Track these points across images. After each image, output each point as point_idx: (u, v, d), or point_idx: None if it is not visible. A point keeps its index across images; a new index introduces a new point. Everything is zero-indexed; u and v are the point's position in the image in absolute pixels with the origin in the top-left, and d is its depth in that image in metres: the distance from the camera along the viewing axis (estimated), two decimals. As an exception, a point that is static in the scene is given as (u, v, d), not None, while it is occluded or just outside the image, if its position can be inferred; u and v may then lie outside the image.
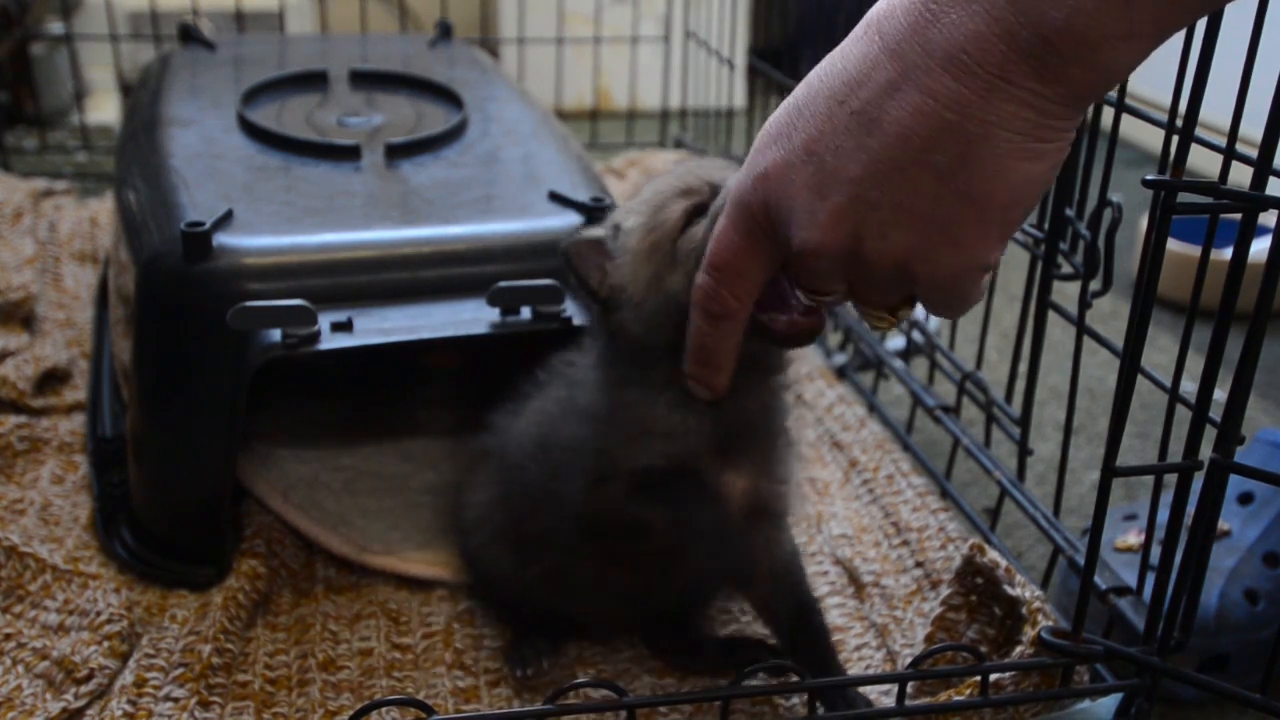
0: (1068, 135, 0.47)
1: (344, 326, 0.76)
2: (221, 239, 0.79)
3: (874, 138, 0.47)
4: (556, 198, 0.89)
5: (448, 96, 1.09)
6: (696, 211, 0.63)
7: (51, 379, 1.06)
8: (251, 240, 0.81)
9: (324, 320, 0.76)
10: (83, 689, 0.72)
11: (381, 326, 0.77)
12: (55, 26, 1.81)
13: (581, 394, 0.70)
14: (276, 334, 0.75)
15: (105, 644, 0.75)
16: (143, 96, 1.12)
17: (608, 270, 0.65)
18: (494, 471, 0.75)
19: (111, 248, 1.07)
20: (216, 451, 0.80)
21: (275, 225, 0.83)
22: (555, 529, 0.70)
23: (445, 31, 1.31)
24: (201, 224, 0.78)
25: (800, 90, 0.52)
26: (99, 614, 0.77)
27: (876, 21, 0.48)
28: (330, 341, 0.75)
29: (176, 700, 0.71)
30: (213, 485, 0.82)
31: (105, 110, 1.90)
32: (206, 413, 0.80)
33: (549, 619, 0.77)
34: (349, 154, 0.94)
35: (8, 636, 0.77)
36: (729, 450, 0.67)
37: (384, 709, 0.70)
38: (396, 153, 0.95)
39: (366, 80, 1.13)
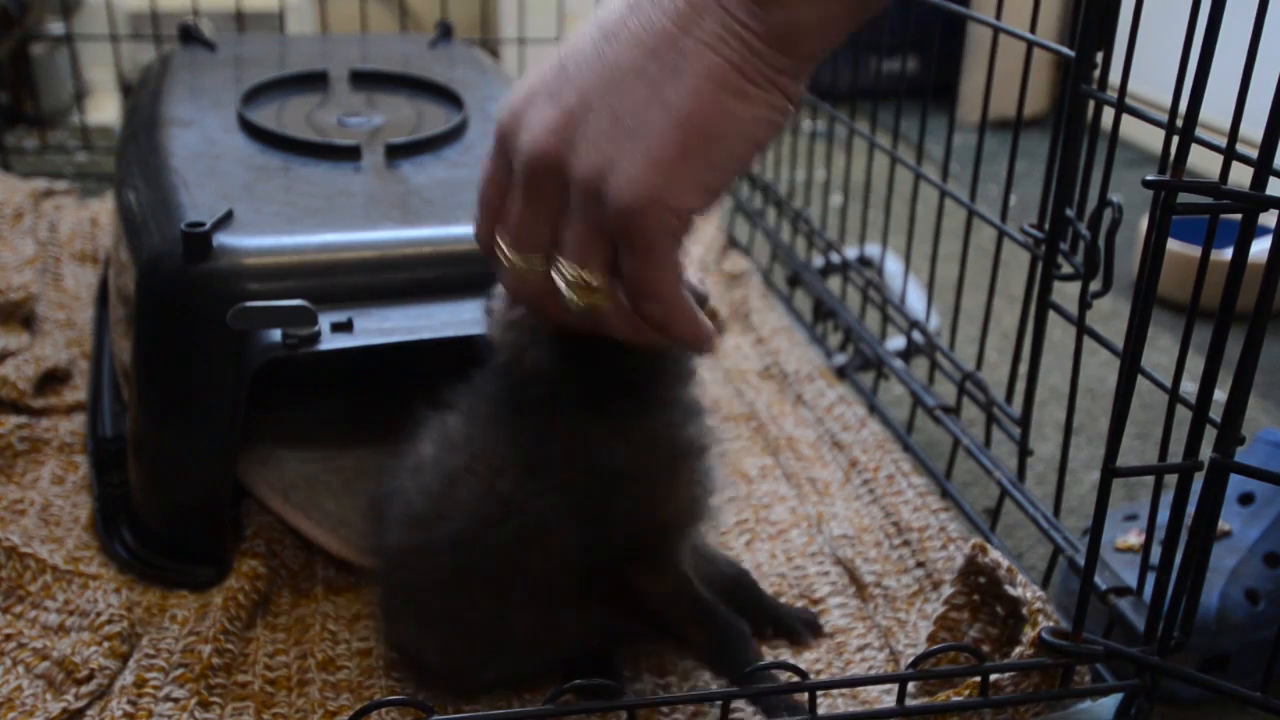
0: (779, 89, 0.49)
1: (344, 327, 0.76)
2: (221, 239, 0.79)
3: (610, 46, 0.49)
4: None
5: (448, 96, 1.09)
6: None
7: (52, 379, 1.06)
8: (252, 240, 0.80)
9: (324, 321, 0.76)
10: (83, 689, 0.72)
11: (382, 327, 0.77)
12: (55, 26, 1.81)
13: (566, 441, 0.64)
14: (277, 334, 0.75)
15: (105, 644, 0.75)
16: (143, 96, 1.12)
17: None
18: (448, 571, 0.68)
19: (112, 248, 1.07)
20: (217, 452, 0.80)
21: (275, 225, 0.83)
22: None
23: (445, 31, 1.31)
24: (202, 224, 0.78)
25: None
26: (99, 614, 0.77)
27: None
28: (330, 342, 0.75)
29: (177, 700, 0.71)
30: (213, 485, 0.82)
31: (105, 110, 1.90)
32: (206, 413, 0.80)
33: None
34: (349, 154, 0.94)
35: (8, 637, 0.77)
36: None
37: (384, 709, 0.69)
38: (397, 153, 0.95)
39: (367, 80, 1.13)
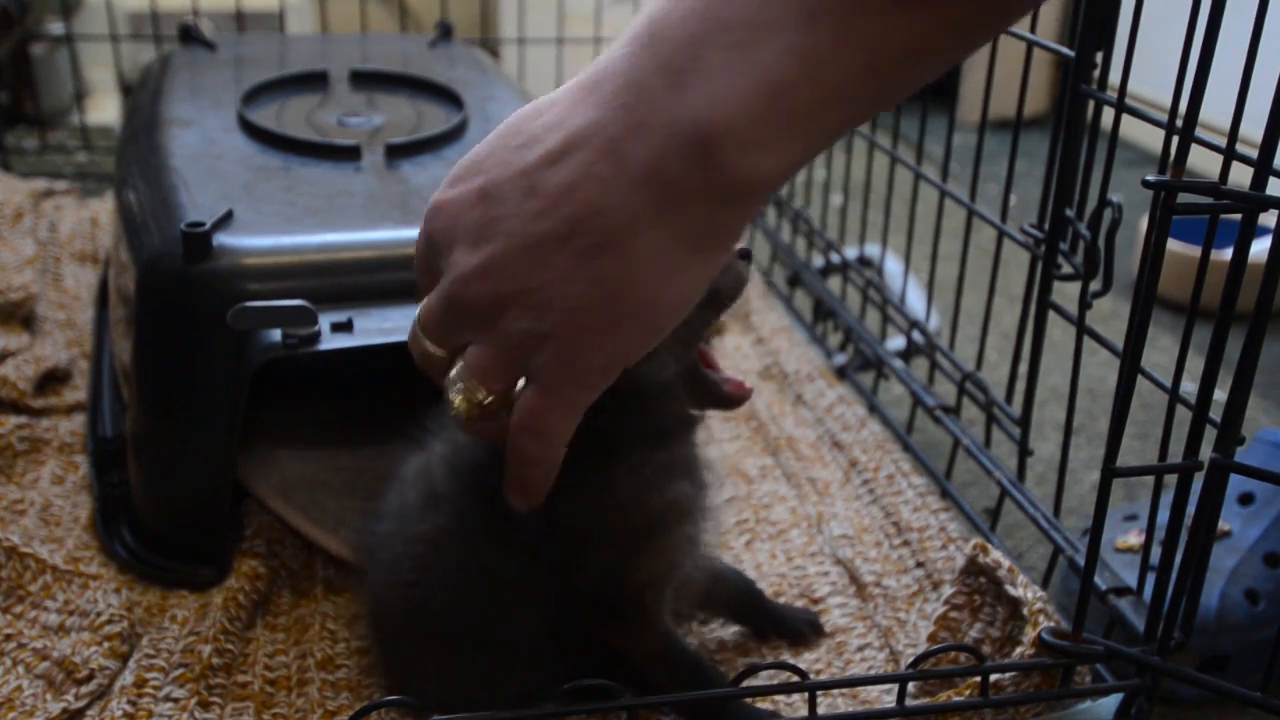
0: (724, 247, 0.46)
1: (344, 327, 0.76)
2: (222, 239, 0.79)
3: (531, 201, 0.46)
4: None
5: (448, 96, 1.09)
6: None
7: (52, 379, 1.06)
8: (252, 240, 0.81)
9: (324, 320, 0.76)
10: (83, 689, 0.72)
11: (382, 327, 0.77)
12: (55, 26, 1.81)
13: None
14: (277, 334, 0.75)
15: (105, 644, 0.75)
16: (143, 97, 1.12)
17: None
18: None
19: (112, 248, 1.07)
20: (217, 452, 0.80)
21: (275, 225, 0.83)
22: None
23: (445, 31, 1.31)
24: (202, 224, 0.78)
25: (501, 127, 0.49)
26: (99, 614, 0.77)
27: (577, 86, 0.46)
28: (331, 342, 0.75)
29: (176, 700, 0.71)
30: (213, 485, 0.82)
31: (105, 110, 1.90)
32: (207, 413, 0.80)
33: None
34: (349, 154, 0.94)
35: (8, 637, 0.77)
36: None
37: (383, 709, 0.69)
38: (397, 153, 0.95)
39: (367, 80, 1.13)
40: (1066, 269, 0.81)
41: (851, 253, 1.28)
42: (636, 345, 0.48)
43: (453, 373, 0.52)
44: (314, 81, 1.11)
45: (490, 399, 0.51)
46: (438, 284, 0.52)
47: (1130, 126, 0.78)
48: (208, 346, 0.78)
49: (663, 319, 0.48)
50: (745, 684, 0.66)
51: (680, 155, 0.43)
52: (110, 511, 0.89)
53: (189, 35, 1.25)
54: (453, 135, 1.00)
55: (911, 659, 0.68)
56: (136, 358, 0.83)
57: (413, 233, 0.84)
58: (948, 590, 0.76)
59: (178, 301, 0.80)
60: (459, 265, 0.49)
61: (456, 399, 0.51)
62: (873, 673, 0.77)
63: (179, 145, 0.95)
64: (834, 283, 1.27)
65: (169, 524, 0.85)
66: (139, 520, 0.87)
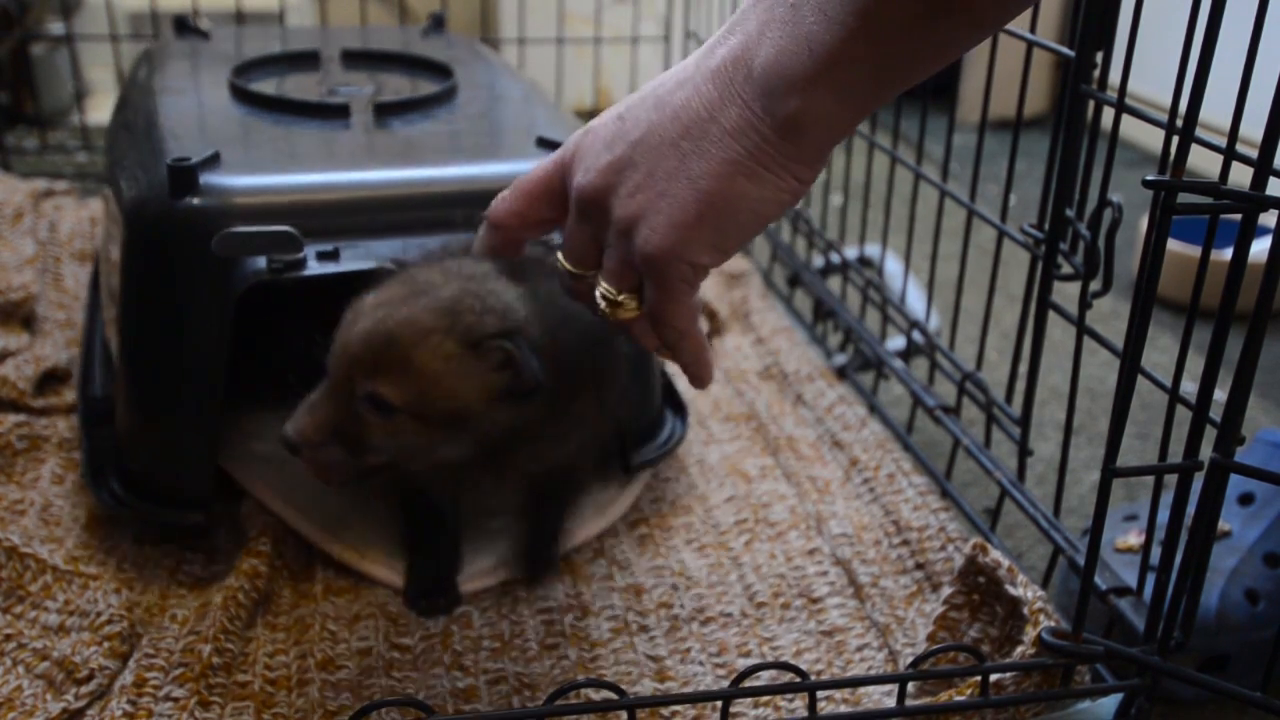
0: (790, 174, 0.55)
1: (330, 255, 0.77)
2: (209, 178, 0.79)
3: (658, 114, 0.57)
4: (545, 142, 0.88)
5: (440, 71, 1.08)
6: None
7: (52, 379, 1.06)
8: (239, 180, 0.80)
9: (310, 250, 0.76)
10: (83, 689, 0.72)
11: (368, 255, 0.78)
12: (55, 26, 1.81)
13: None
14: (263, 261, 0.75)
15: (105, 644, 0.75)
16: (138, 73, 1.12)
17: None
18: None
19: (102, 212, 1.05)
20: (205, 386, 0.80)
21: (263, 166, 0.83)
22: None
23: (438, 23, 1.30)
24: (187, 159, 0.78)
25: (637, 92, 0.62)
26: (99, 614, 0.77)
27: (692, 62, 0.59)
28: (316, 268, 0.75)
29: (176, 700, 0.71)
30: (203, 421, 0.82)
31: (105, 110, 1.90)
32: (195, 346, 0.80)
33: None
34: (337, 112, 0.94)
35: (8, 637, 0.77)
36: None
37: (384, 709, 0.70)
38: (386, 111, 0.95)
39: (359, 59, 1.12)
40: (1066, 269, 0.81)
41: (851, 253, 1.28)
42: (723, 244, 0.58)
43: (598, 285, 0.62)
44: (306, 60, 1.11)
45: (626, 297, 0.61)
46: (566, 208, 0.62)
47: (1130, 126, 0.78)
48: (195, 282, 0.78)
49: (743, 224, 0.57)
50: (745, 684, 0.66)
51: (750, 81, 0.55)
52: (98, 463, 0.88)
53: (184, 27, 1.25)
54: (443, 97, 0.99)
55: (911, 659, 0.68)
56: (124, 297, 0.83)
57: (401, 174, 0.84)
58: (947, 590, 0.76)
59: (164, 239, 0.80)
60: (589, 163, 0.59)
61: (602, 306, 0.62)
62: (872, 672, 0.77)
63: (170, 108, 0.95)
64: (834, 283, 1.27)
65: (158, 465, 0.85)
66: (127, 470, 0.86)
